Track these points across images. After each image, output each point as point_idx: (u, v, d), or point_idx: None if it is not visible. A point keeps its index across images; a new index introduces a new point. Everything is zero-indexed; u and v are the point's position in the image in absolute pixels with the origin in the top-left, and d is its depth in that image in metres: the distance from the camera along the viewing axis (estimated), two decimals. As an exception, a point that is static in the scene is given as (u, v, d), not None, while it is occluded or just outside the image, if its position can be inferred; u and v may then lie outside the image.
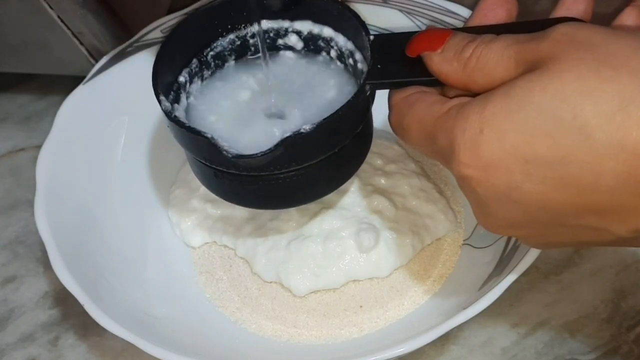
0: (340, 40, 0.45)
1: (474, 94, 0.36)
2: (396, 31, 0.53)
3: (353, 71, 0.45)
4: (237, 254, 0.53)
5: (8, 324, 0.54)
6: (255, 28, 0.46)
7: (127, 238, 0.52)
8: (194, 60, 0.45)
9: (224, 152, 0.39)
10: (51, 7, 0.54)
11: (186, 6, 0.54)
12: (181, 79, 0.45)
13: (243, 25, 0.46)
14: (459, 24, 0.51)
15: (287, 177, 0.41)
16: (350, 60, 0.45)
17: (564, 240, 0.37)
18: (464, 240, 0.52)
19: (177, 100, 0.44)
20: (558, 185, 0.33)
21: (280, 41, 0.47)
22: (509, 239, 0.48)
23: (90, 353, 0.52)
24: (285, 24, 0.46)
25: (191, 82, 0.45)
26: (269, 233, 0.51)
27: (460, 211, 0.53)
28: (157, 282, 0.51)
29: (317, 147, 0.41)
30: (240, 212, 0.53)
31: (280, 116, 0.44)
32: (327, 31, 0.46)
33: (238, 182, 0.42)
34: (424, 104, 0.38)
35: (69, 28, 0.55)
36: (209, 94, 0.46)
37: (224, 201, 0.53)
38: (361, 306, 0.50)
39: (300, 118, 0.44)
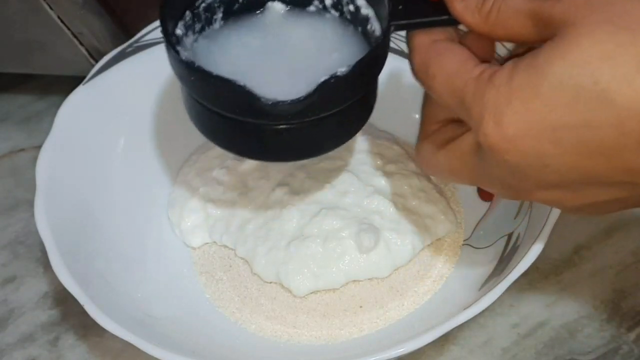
0: None
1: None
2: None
3: (352, 18, 0.44)
4: (237, 254, 0.53)
5: (8, 324, 0.54)
6: None
7: (127, 238, 0.52)
8: (187, 13, 0.44)
9: (262, 99, 0.38)
10: (51, 7, 0.54)
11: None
12: (178, 31, 0.43)
13: None
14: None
15: (315, 124, 0.40)
16: (350, 7, 0.44)
17: (600, 200, 0.37)
18: (464, 241, 0.52)
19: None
20: (586, 149, 0.34)
21: None
22: (508, 239, 0.48)
23: (90, 353, 0.52)
24: None
25: (186, 35, 0.44)
26: (269, 233, 0.51)
27: (460, 211, 0.53)
28: (157, 282, 0.51)
29: (349, 90, 0.40)
30: (240, 212, 0.53)
31: (286, 69, 0.43)
32: None
33: (260, 132, 0.41)
34: (455, 57, 0.38)
35: (69, 28, 0.55)
36: (207, 47, 0.45)
37: (224, 201, 0.53)
38: (361, 306, 0.50)
39: (309, 70, 0.42)
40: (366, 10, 0.44)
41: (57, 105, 0.52)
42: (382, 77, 0.42)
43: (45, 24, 0.55)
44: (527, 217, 0.47)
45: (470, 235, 0.52)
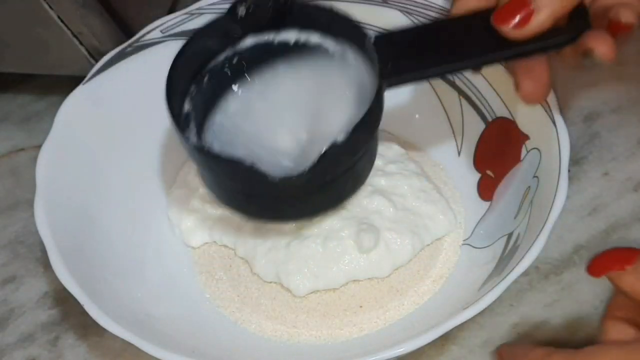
0: (330, 45, 0.44)
1: None
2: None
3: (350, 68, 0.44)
4: (237, 254, 0.53)
5: (8, 324, 0.54)
6: (239, 46, 0.45)
7: (127, 238, 0.52)
8: (192, 87, 0.44)
9: (269, 177, 0.39)
10: (51, 7, 0.54)
11: (187, 7, 0.54)
12: (186, 107, 0.44)
13: (228, 46, 0.44)
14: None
15: (323, 186, 0.42)
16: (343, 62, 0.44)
17: None
18: (463, 240, 0.52)
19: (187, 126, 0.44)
20: None
21: (266, 54, 0.45)
22: (508, 239, 0.48)
23: (90, 353, 0.52)
24: (271, 36, 0.45)
25: (195, 108, 0.44)
26: (269, 233, 0.51)
27: (460, 211, 0.53)
28: (157, 282, 0.51)
29: (351, 153, 0.41)
30: (240, 212, 0.53)
31: (297, 133, 0.44)
32: (314, 38, 0.44)
33: (271, 199, 0.43)
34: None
35: (69, 28, 0.55)
36: (214, 118, 0.45)
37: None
38: (361, 306, 0.50)
39: (317, 131, 0.43)
40: (356, 64, 0.44)
41: (57, 105, 0.52)
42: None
43: (45, 24, 0.55)
44: (527, 217, 0.47)
45: (470, 235, 0.52)
